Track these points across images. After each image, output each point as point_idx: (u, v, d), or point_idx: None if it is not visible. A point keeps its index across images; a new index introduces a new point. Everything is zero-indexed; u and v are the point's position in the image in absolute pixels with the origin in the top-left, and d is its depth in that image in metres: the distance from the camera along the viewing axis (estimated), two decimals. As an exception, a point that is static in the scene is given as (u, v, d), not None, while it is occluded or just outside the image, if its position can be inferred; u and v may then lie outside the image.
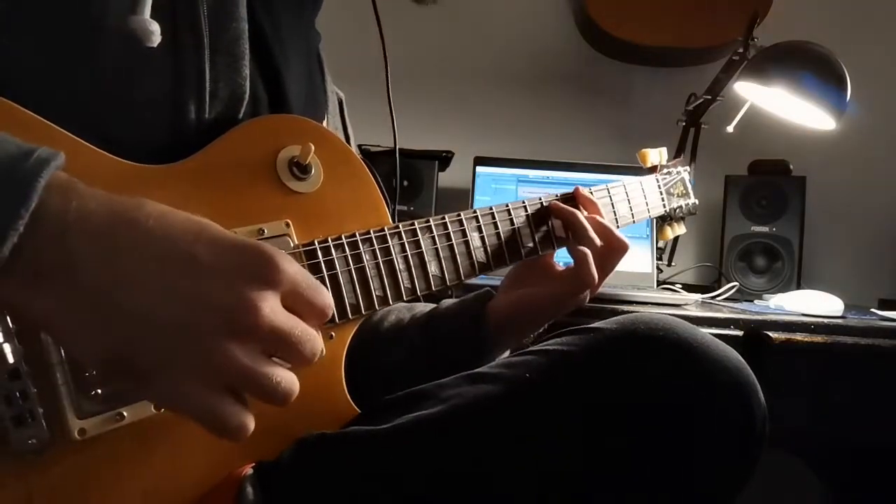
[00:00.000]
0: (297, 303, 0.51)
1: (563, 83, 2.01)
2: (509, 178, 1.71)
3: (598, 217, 0.90)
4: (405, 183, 1.71)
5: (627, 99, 2.00)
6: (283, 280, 0.50)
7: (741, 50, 1.53)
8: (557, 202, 0.91)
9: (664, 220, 1.11)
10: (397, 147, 1.05)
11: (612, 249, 0.88)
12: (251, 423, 0.50)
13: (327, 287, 0.70)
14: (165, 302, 0.47)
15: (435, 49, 2.00)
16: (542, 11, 2.00)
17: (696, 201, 1.13)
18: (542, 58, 2.00)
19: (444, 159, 1.74)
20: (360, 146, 1.63)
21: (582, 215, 0.89)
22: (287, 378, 0.50)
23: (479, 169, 1.72)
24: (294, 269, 0.51)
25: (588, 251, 0.86)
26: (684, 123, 1.74)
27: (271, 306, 0.49)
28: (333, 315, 0.70)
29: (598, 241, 0.87)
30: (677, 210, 1.10)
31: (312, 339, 0.51)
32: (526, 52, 2.00)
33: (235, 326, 0.48)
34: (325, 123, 0.91)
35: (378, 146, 1.64)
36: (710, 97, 1.65)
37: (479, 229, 0.83)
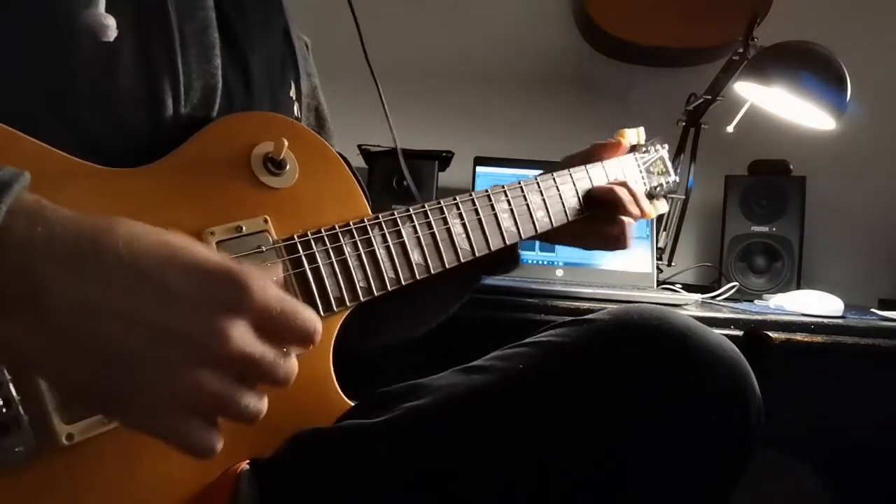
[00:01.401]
0: (272, 326, 0.50)
1: (563, 83, 2.00)
2: (509, 179, 1.68)
3: (630, 186, 0.99)
4: (405, 183, 1.71)
5: (627, 99, 1.99)
6: (253, 305, 0.48)
7: (741, 50, 1.53)
8: (601, 186, 0.99)
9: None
10: (363, 144, 1.06)
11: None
12: (219, 444, 0.49)
13: (309, 281, 0.70)
14: (131, 332, 0.46)
15: (435, 49, 2.00)
16: (542, 11, 2.00)
17: (677, 178, 1.14)
18: (542, 58, 2.00)
19: (444, 159, 1.74)
20: (359, 146, 1.63)
21: (622, 190, 0.97)
22: (255, 401, 0.50)
23: (479, 169, 1.72)
24: (266, 294, 0.49)
25: (632, 221, 0.98)
26: (684, 123, 1.74)
27: (241, 333, 0.48)
28: (319, 308, 0.70)
29: (636, 212, 0.99)
30: (657, 188, 1.10)
31: (286, 364, 0.50)
32: (526, 51, 2.00)
33: (203, 356, 0.47)
34: (292, 87, 0.91)
35: (378, 146, 1.64)
36: (710, 97, 1.65)
37: (461, 216, 0.83)
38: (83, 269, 0.46)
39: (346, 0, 0.96)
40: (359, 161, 1.67)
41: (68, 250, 0.46)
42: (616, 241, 1.00)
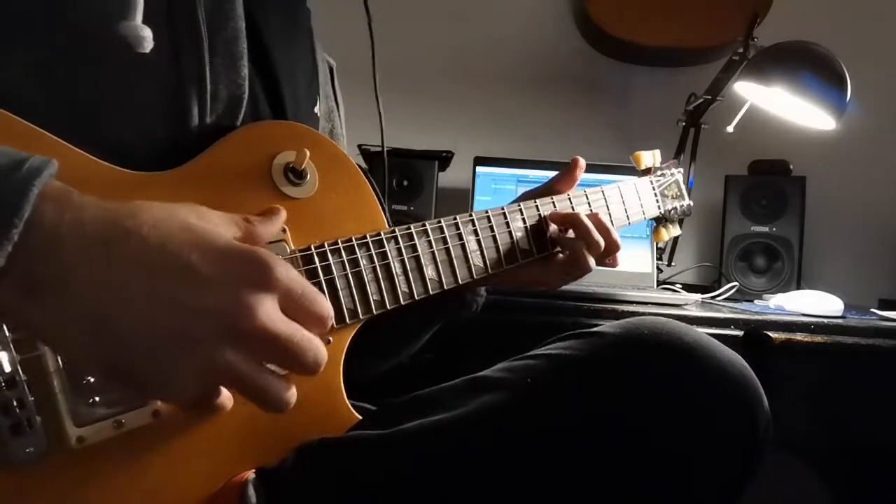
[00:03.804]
0: (294, 309, 0.51)
1: (563, 83, 2.00)
2: (509, 178, 1.71)
3: (598, 216, 0.91)
4: (405, 183, 1.71)
5: (627, 99, 2.00)
6: (278, 284, 0.50)
7: (741, 50, 1.53)
8: (556, 212, 0.91)
9: (659, 221, 1.12)
10: (384, 147, 1.06)
11: (609, 250, 0.91)
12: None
13: (325, 292, 0.70)
14: (160, 312, 0.48)
15: (435, 49, 1.99)
16: (542, 11, 2.00)
17: (691, 203, 1.13)
18: (542, 58, 2.00)
19: (444, 159, 1.74)
20: (359, 146, 1.63)
21: (584, 216, 0.89)
22: (282, 387, 0.51)
23: (479, 169, 1.72)
24: (290, 275, 0.51)
25: (586, 251, 0.88)
26: (684, 123, 1.75)
27: (268, 311, 0.49)
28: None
29: (601, 243, 0.89)
30: (672, 212, 1.10)
31: (315, 347, 0.52)
32: (526, 52, 2.00)
33: (232, 331, 0.48)
34: (317, 102, 0.91)
35: (378, 146, 1.64)
36: (710, 97, 1.65)
37: (476, 233, 0.83)
38: (110, 253, 0.48)
39: (363, 4, 0.96)
40: (359, 161, 1.67)
41: (95, 234, 0.48)
42: (568, 271, 0.92)
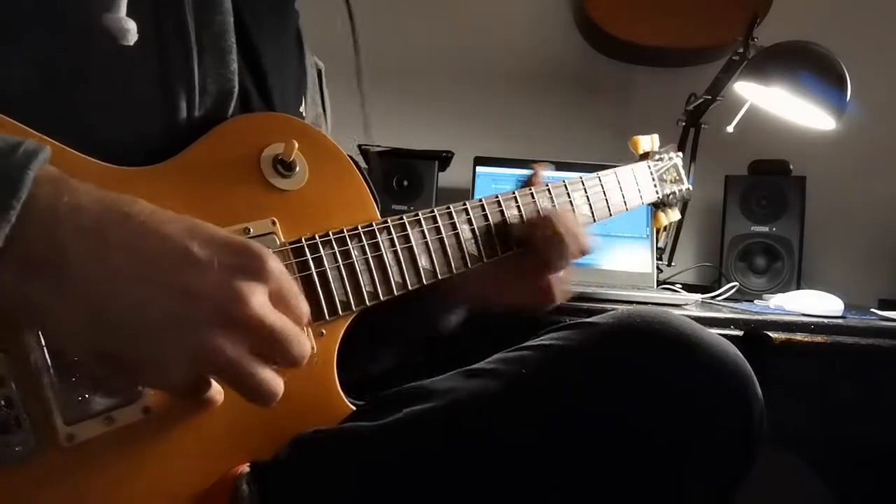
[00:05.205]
0: (281, 303, 0.53)
1: (563, 83, 2.01)
2: (509, 178, 1.71)
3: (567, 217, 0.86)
4: (405, 183, 1.71)
5: (627, 99, 2.00)
6: (270, 277, 0.51)
7: (741, 50, 1.53)
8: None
9: (657, 206, 1.11)
10: (364, 145, 1.05)
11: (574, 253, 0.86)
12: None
13: (316, 284, 0.70)
14: (155, 295, 0.48)
15: (435, 49, 2.00)
16: (542, 11, 2.00)
17: (690, 186, 1.12)
18: (542, 58, 2.00)
19: (444, 159, 1.74)
20: (359, 146, 1.63)
21: (567, 234, 0.84)
22: (269, 378, 0.52)
23: (479, 169, 1.72)
24: (281, 269, 0.52)
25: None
26: (684, 123, 1.74)
27: (260, 300, 0.50)
28: (324, 312, 0.70)
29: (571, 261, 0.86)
30: (670, 196, 1.09)
31: (301, 339, 0.52)
32: (526, 52, 2.00)
33: (225, 317, 0.49)
34: (303, 104, 0.90)
35: (378, 146, 1.64)
36: (710, 97, 1.65)
37: (470, 221, 0.82)
38: (107, 237, 0.48)
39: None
40: (358, 160, 1.67)
41: (93, 219, 0.48)
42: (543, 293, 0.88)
